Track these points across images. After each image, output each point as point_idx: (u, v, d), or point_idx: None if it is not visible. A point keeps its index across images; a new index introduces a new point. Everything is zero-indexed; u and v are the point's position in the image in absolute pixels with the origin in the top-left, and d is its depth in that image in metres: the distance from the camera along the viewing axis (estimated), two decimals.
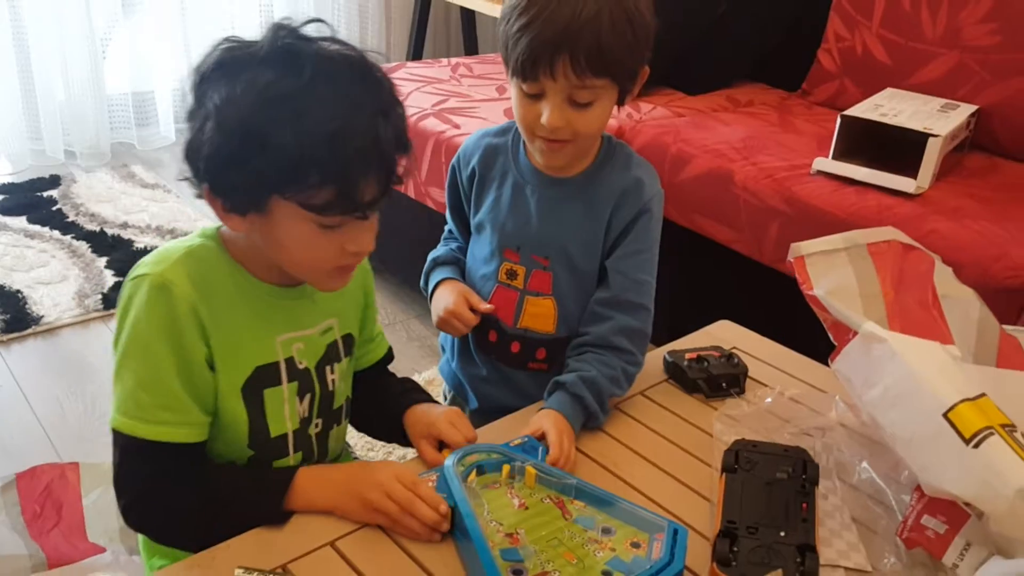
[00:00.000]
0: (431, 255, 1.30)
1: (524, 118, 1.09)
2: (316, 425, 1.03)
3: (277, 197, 0.86)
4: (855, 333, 0.94)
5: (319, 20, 0.89)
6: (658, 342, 1.32)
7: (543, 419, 1.07)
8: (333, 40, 0.88)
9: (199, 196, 0.90)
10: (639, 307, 1.18)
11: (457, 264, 1.27)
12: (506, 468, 0.98)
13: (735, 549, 0.89)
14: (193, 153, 0.87)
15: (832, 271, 0.98)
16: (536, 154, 1.15)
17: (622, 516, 0.94)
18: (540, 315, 1.21)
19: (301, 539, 0.91)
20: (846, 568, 0.93)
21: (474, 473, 0.97)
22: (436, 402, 1.11)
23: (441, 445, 1.03)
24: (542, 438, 1.05)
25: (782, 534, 0.91)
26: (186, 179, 0.90)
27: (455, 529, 0.92)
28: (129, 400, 0.89)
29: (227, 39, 0.88)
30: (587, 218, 1.17)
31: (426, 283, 1.27)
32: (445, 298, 1.20)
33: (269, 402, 0.96)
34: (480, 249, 1.23)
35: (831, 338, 1.00)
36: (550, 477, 0.97)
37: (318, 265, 0.92)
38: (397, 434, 1.08)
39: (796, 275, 0.99)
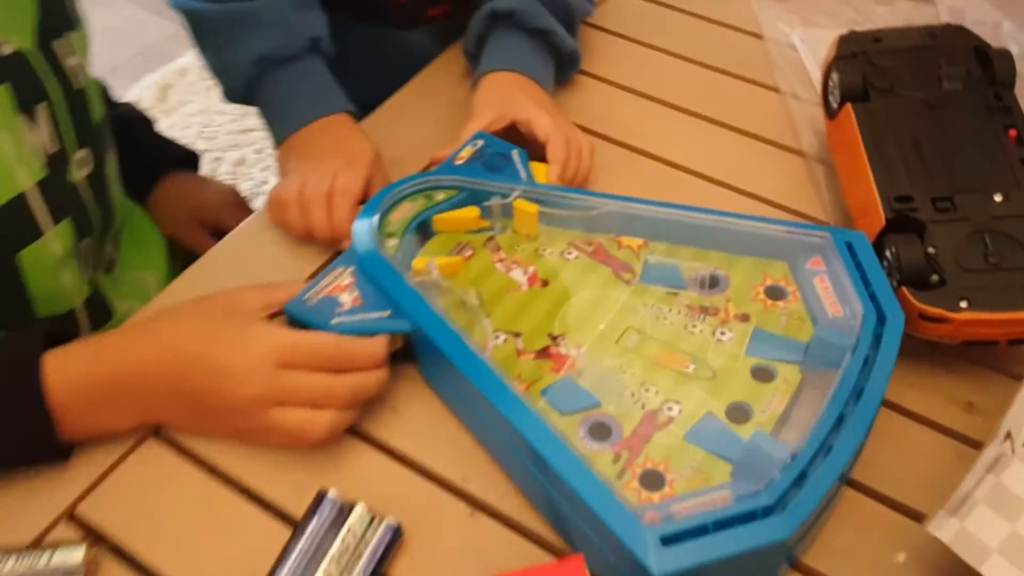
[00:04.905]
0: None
1: None
2: (82, 161, 0.52)
3: None
4: None
5: None
6: None
7: (501, 96, 0.59)
8: None
9: None
10: None
11: (319, 51, 0.61)
12: (473, 211, 0.52)
13: (932, 248, 0.47)
14: None
15: None
16: None
17: (723, 241, 0.50)
18: None
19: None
20: None
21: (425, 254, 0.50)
22: (192, 156, 0.73)
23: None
24: (509, 131, 0.57)
25: (997, 199, 0.49)
26: None
27: (424, 368, 0.48)
28: None
29: None
30: None
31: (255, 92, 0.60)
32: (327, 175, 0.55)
33: None
34: None
35: None
36: (560, 210, 0.51)
37: None
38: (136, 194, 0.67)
39: None
